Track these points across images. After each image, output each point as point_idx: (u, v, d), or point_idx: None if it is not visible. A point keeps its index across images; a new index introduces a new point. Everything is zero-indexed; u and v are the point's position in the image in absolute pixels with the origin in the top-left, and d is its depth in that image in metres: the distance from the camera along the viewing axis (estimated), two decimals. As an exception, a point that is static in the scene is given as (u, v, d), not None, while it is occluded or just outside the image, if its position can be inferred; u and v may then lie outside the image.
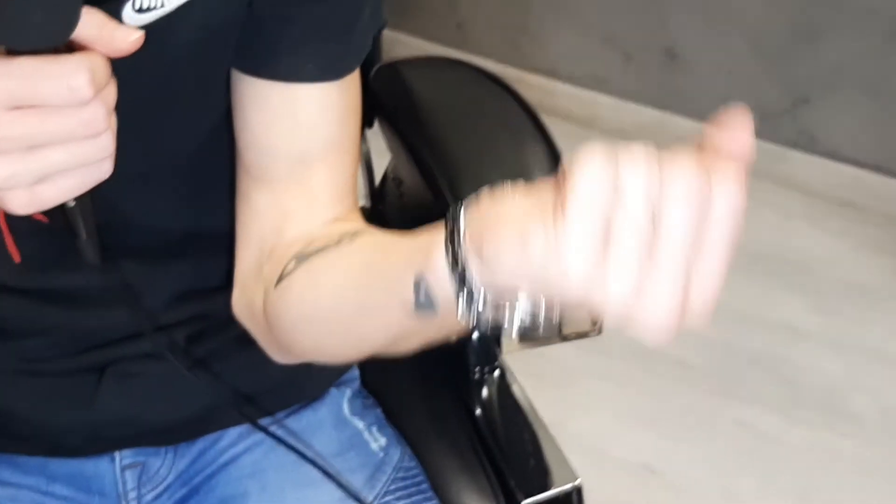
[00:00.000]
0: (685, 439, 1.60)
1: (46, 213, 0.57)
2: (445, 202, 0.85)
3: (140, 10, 0.60)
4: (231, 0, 0.63)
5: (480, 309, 0.50)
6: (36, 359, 0.74)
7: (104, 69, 0.50)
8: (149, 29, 0.59)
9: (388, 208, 1.05)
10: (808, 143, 1.97)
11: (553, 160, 0.86)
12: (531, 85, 2.19)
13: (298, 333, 0.68)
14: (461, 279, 0.50)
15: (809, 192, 1.99)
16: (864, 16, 1.79)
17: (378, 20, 0.71)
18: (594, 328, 0.78)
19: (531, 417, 0.89)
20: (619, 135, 2.13)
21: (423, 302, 0.55)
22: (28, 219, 0.63)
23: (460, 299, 0.50)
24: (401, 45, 2.18)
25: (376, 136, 0.95)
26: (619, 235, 0.43)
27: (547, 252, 0.44)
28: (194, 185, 0.73)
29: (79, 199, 0.56)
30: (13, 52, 0.49)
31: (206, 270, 0.75)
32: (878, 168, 1.93)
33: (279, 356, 0.72)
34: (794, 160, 1.99)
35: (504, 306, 0.49)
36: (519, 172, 0.85)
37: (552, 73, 2.17)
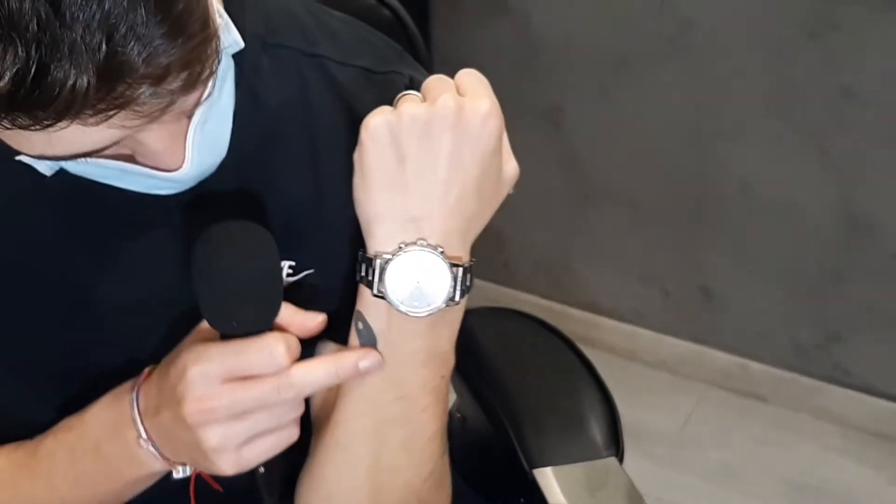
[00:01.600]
0: None
1: (221, 481, 0.68)
2: (510, 440, 0.94)
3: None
4: (336, 280, 0.75)
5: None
6: None
7: (296, 344, 0.64)
8: None
9: (452, 441, 1.13)
10: (842, 377, 2.04)
11: (606, 405, 0.96)
12: (574, 318, 2.29)
13: None
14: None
15: (846, 425, 2.05)
16: (889, 261, 1.90)
17: None
18: None
19: None
20: (660, 366, 2.22)
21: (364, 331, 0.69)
22: (206, 486, 0.74)
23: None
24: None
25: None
26: None
27: None
28: None
29: (267, 465, 0.66)
30: (226, 336, 0.63)
31: None
32: (911, 402, 1.99)
33: None
34: (830, 393, 2.06)
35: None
36: (574, 417, 0.95)
37: (593, 308, 2.28)
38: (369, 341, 0.69)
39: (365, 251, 0.68)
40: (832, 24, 1.77)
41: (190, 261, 0.61)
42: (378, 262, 0.66)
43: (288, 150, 0.72)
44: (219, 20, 0.58)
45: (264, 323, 0.63)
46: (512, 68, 2.12)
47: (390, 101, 0.70)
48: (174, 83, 0.52)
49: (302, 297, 0.72)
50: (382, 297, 0.67)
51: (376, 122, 0.65)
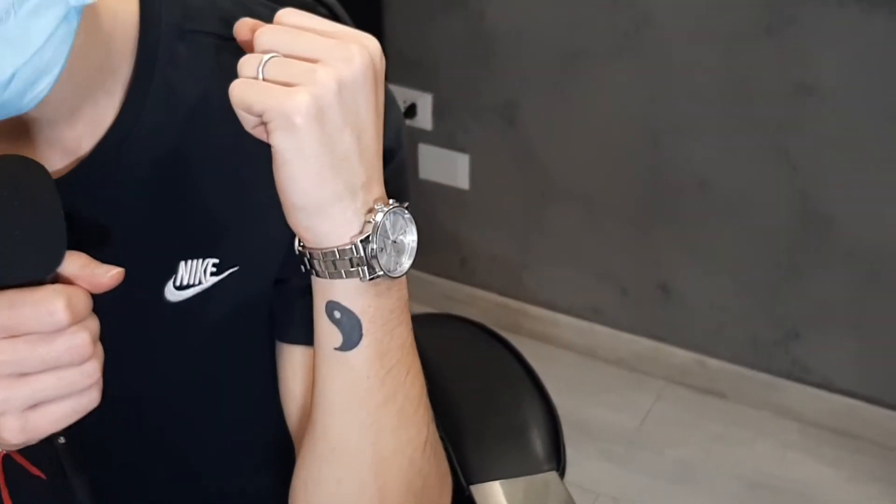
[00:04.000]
0: None
1: (42, 467, 0.62)
2: (448, 448, 0.91)
3: (180, 288, 0.69)
4: (262, 276, 0.72)
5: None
6: None
7: (84, 299, 0.56)
8: (189, 304, 0.68)
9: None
10: (801, 374, 2.04)
11: (549, 417, 0.93)
12: (532, 316, 2.28)
13: None
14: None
15: (804, 421, 2.04)
16: (846, 257, 1.89)
17: None
18: None
19: None
20: (618, 364, 2.20)
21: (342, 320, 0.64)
22: (26, 474, 0.69)
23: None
24: (407, 279, 2.29)
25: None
26: None
27: None
28: (233, 442, 0.79)
29: (69, 434, 0.60)
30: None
31: None
32: (869, 399, 1.99)
33: None
34: (789, 390, 2.05)
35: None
36: (515, 430, 0.92)
37: (551, 306, 2.26)
38: (352, 326, 0.64)
39: (325, 245, 0.62)
40: (788, 18, 1.75)
41: None
42: (360, 246, 0.61)
43: (207, 143, 0.69)
44: None
45: (42, 272, 0.56)
46: (466, 63, 2.09)
47: None
48: None
49: (229, 294, 0.70)
50: (375, 278, 0.62)
51: (307, 104, 0.57)
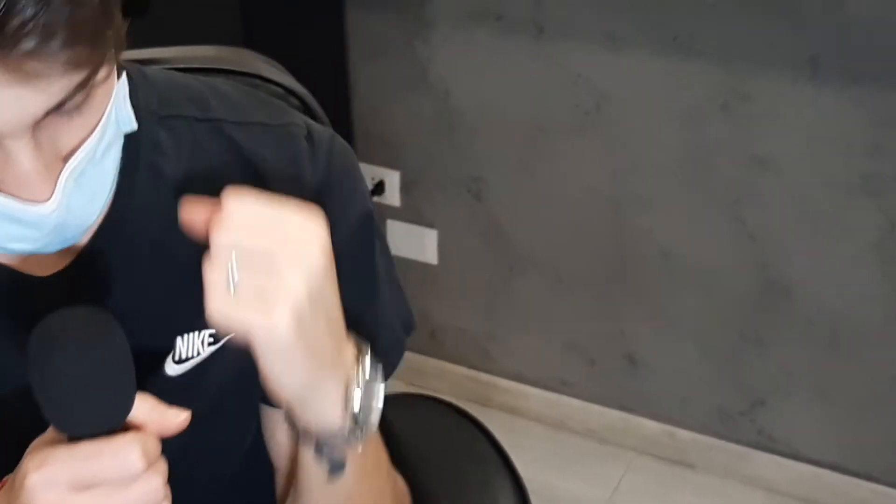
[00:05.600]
0: None
1: None
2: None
3: (179, 361, 0.71)
4: None
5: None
6: None
7: (155, 445, 0.58)
8: (188, 375, 0.70)
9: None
10: (767, 443, 2.06)
11: (519, 495, 0.94)
12: (501, 388, 2.29)
13: None
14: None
15: (773, 490, 2.05)
16: (805, 327, 1.93)
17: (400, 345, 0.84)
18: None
19: None
20: (588, 435, 2.21)
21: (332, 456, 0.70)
22: None
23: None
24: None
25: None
26: None
27: None
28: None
29: None
30: (74, 437, 0.57)
31: None
32: (835, 466, 2.01)
33: None
34: (756, 459, 2.07)
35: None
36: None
37: (520, 378, 2.28)
38: (338, 465, 0.71)
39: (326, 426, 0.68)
40: (743, 95, 1.81)
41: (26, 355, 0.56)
42: (355, 418, 0.68)
43: None
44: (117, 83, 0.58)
45: (115, 421, 0.57)
46: (432, 139, 2.13)
47: (291, 154, 0.71)
48: (61, 53, 0.51)
49: (227, 361, 0.72)
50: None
51: (287, 320, 0.60)
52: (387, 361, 0.78)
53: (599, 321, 2.13)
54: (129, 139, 0.68)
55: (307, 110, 0.97)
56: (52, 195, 0.57)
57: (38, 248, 0.61)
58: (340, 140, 0.79)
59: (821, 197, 1.83)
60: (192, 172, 0.71)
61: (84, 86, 0.54)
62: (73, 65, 0.52)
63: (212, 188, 0.66)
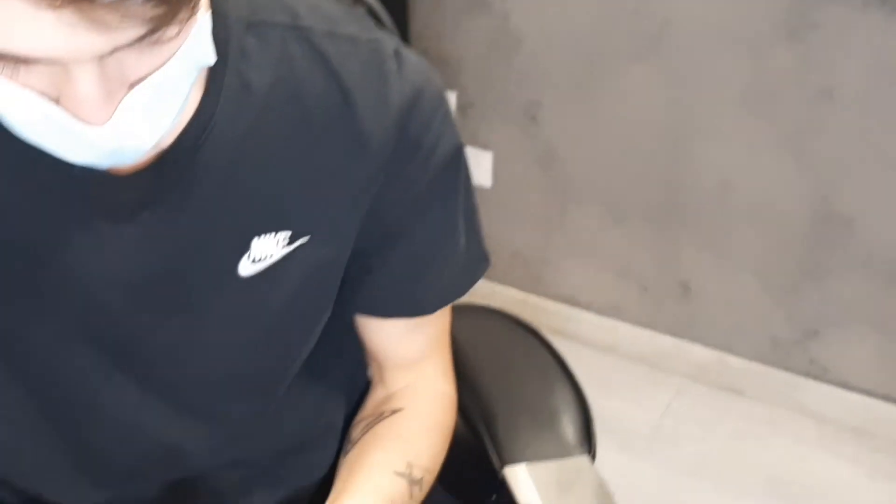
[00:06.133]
0: None
1: None
2: (481, 438, 0.95)
3: (254, 262, 0.73)
4: (333, 245, 0.76)
5: None
6: None
7: None
8: (261, 277, 0.72)
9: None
10: (819, 373, 2.06)
11: (579, 404, 0.96)
12: (552, 312, 2.30)
13: None
14: None
15: (823, 420, 2.07)
16: (865, 259, 1.92)
17: (481, 263, 0.87)
18: None
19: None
20: (638, 360, 2.23)
21: None
22: None
23: None
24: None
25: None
26: None
27: None
28: (300, 394, 0.84)
29: None
30: None
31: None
32: (887, 397, 2.01)
33: None
34: (807, 388, 2.08)
35: None
36: (547, 416, 0.95)
37: (572, 302, 2.29)
38: None
39: None
40: (811, 23, 1.78)
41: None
42: None
43: (277, 125, 0.72)
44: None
45: None
46: (490, 61, 2.13)
47: (378, 70, 0.70)
48: (139, 8, 0.50)
49: (300, 263, 0.73)
50: None
51: None
52: (455, 295, 0.86)
53: (654, 249, 2.13)
54: (218, 44, 0.69)
55: (373, 15, 0.98)
56: (109, 119, 0.56)
57: (98, 164, 0.61)
58: (430, 68, 0.79)
59: (886, 130, 1.80)
60: (277, 81, 0.72)
61: (156, 31, 0.53)
62: (149, 19, 0.51)
63: (296, 98, 0.67)
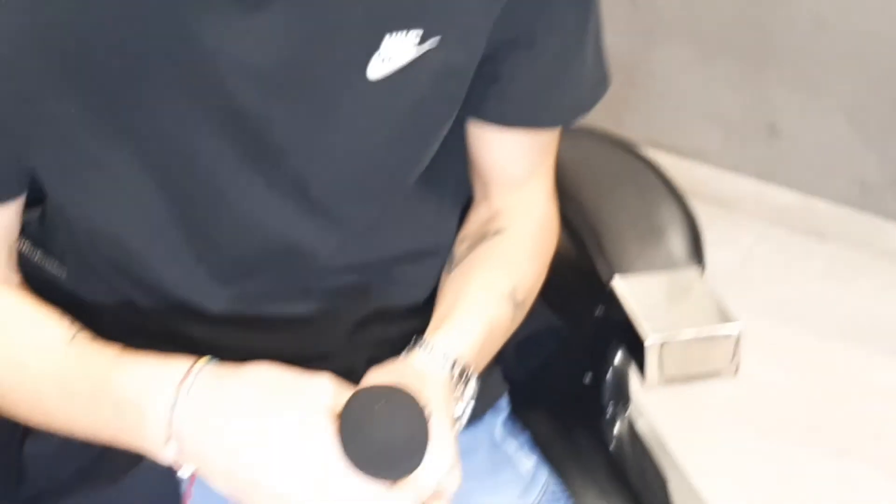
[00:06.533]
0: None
1: None
2: (585, 250, 0.94)
3: (384, 61, 0.72)
4: (464, 48, 0.74)
5: None
6: None
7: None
8: (391, 79, 0.71)
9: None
10: (907, 217, 2.03)
11: (688, 220, 0.95)
12: (633, 154, 2.27)
13: None
14: None
15: (907, 265, 2.04)
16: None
17: (603, 83, 0.87)
18: (730, 367, 0.86)
19: (658, 455, 0.97)
20: (720, 203, 2.20)
21: None
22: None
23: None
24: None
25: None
26: None
27: None
28: (415, 205, 0.83)
29: None
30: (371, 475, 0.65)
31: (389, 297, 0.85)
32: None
33: None
34: (892, 233, 2.04)
35: None
36: (655, 229, 0.94)
37: (653, 143, 2.25)
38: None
39: None
40: None
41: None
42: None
43: None
44: None
45: (401, 475, 0.67)
46: None
47: None
48: None
49: (430, 66, 0.72)
50: None
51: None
52: (578, 112, 0.86)
53: (741, 89, 2.08)
54: None
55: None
56: None
57: None
58: None
59: None
60: None
61: None
62: None
63: None
